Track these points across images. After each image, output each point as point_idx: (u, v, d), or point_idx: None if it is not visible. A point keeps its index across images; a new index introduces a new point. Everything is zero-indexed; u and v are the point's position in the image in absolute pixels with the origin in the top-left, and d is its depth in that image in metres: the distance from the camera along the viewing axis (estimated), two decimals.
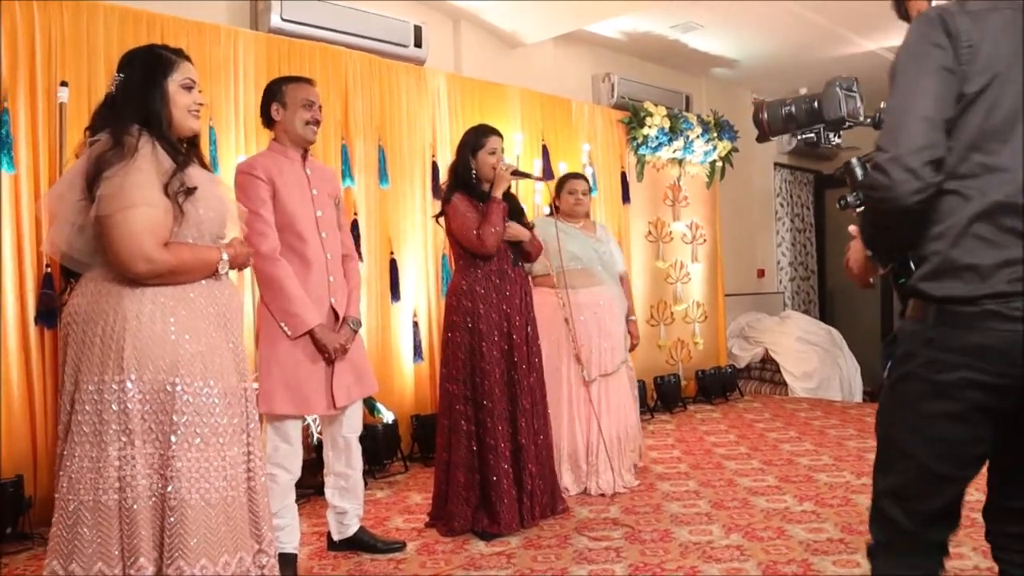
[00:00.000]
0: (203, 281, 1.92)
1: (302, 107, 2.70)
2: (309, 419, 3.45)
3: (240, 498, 1.88)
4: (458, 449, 3.09)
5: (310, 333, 2.61)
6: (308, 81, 2.79)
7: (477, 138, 3.22)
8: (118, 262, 1.80)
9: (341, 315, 2.73)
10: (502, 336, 3.14)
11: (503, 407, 3.10)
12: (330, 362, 2.66)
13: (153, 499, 1.77)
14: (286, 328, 2.59)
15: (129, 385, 1.77)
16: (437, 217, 3.30)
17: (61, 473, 1.78)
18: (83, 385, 1.79)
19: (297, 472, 2.71)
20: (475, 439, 3.10)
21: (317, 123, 2.74)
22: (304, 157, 2.76)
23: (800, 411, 5.74)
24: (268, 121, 2.76)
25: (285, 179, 2.66)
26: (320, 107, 2.77)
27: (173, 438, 1.78)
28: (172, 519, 1.76)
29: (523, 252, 3.33)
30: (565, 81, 5.77)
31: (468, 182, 3.19)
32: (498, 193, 3.15)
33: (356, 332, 2.77)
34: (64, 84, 3.24)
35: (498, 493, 3.08)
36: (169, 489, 1.76)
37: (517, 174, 3.27)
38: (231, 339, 1.96)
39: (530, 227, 3.35)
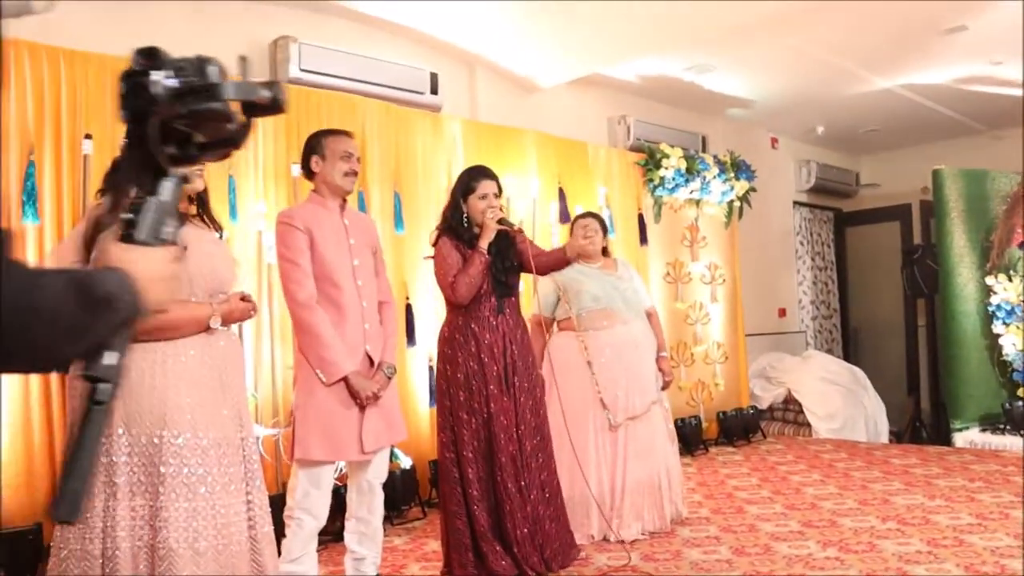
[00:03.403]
0: (197, 336, 1.96)
1: (340, 159, 2.78)
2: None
3: (237, 547, 1.91)
4: (452, 497, 3.07)
5: (344, 380, 2.65)
6: (347, 134, 2.87)
7: (469, 181, 3.16)
8: None
9: (376, 361, 2.77)
10: (481, 385, 3.10)
11: (481, 457, 3.07)
12: (362, 408, 2.69)
13: (144, 550, 1.81)
14: (321, 375, 2.63)
15: (116, 439, 1.83)
16: (429, 257, 3.27)
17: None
18: None
19: (323, 519, 2.74)
20: (461, 487, 3.08)
21: (355, 174, 2.81)
22: (342, 207, 2.83)
23: (824, 452, 5.64)
24: (308, 173, 2.84)
25: (323, 230, 2.73)
26: (359, 159, 2.85)
27: (161, 489, 1.83)
28: (162, 568, 1.80)
29: (518, 270, 3.24)
30: (581, 124, 5.82)
31: (457, 226, 3.14)
32: (483, 244, 3.08)
33: (390, 379, 2.80)
34: (88, 137, 3.33)
35: (488, 542, 3.04)
36: (158, 539, 1.81)
37: (502, 224, 3.13)
38: (229, 390, 2.00)
39: (516, 230, 3.15)
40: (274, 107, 1.04)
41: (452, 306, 3.16)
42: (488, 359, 3.10)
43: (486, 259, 3.09)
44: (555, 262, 3.23)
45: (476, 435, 3.06)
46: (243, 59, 4.08)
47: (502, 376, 3.13)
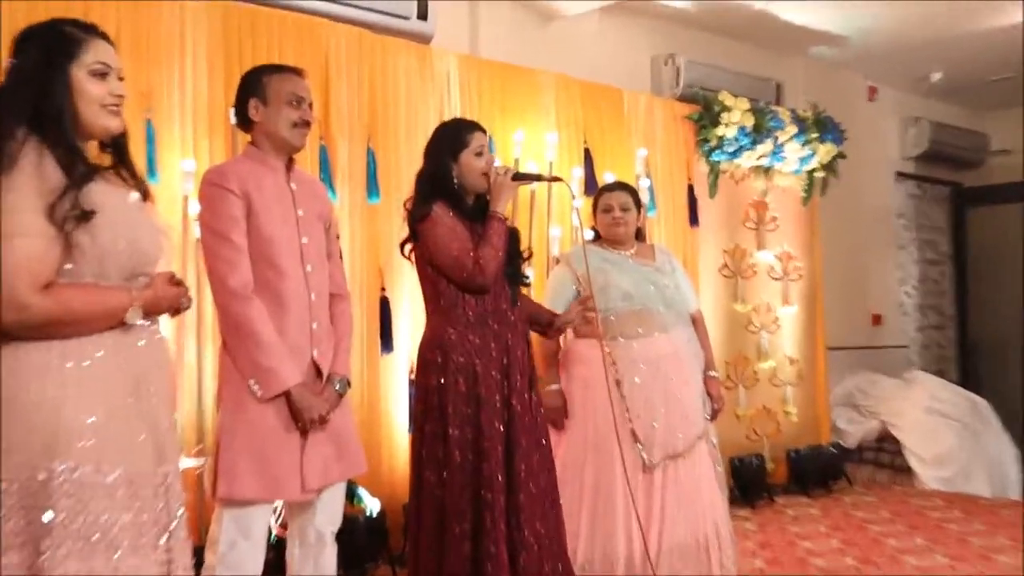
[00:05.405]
0: (107, 332, 1.89)
1: (288, 104, 2.75)
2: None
3: None
4: (455, 558, 2.99)
5: (285, 394, 2.62)
6: (296, 72, 2.84)
7: (457, 135, 3.15)
8: None
9: (325, 372, 2.75)
10: (503, 402, 3.06)
11: (503, 499, 3.00)
12: (304, 432, 2.67)
13: None
14: (255, 386, 2.60)
15: None
16: (404, 245, 3.19)
17: None
18: None
19: None
20: (471, 541, 3.03)
21: (307, 125, 2.78)
22: (289, 168, 2.82)
23: (931, 509, 5.61)
24: (244, 121, 2.81)
25: (264, 196, 2.69)
26: (311, 104, 2.83)
27: (46, 542, 1.74)
28: None
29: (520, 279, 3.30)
30: (615, 65, 5.79)
31: (450, 194, 3.11)
32: (500, 207, 3.09)
33: (343, 395, 2.79)
34: None
35: None
36: None
37: (521, 178, 3.21)
38: (147, 409, 1.94)
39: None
40: None
41: (457, 297, 3.10)
42: (511, 364, 3.08)
43: (506, 226, 3.11)
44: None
45: (501, 469, 3.00)
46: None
47: (527, 387, 3.13)
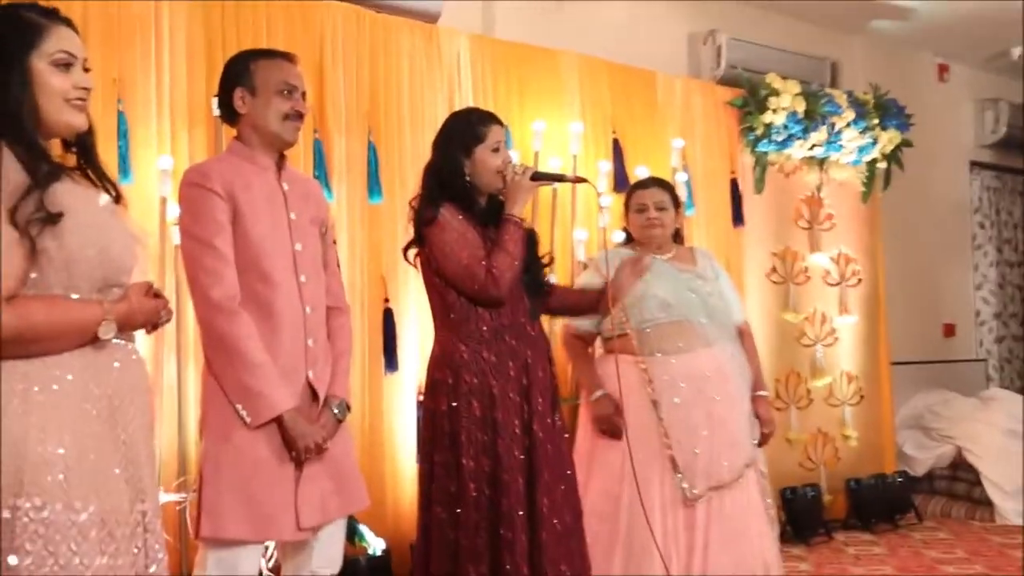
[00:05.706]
0: (78, 351, 1.89)
1: (278, 94, 2.77)
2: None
3: None
4: None
5: (277, 421, 2.64)
6: (287, 57, 2.87)
7: (471, 128, 3.15)
8: None
9: (322, 395, 2.77)
10: (523, 428, 3.07)
11: (525, 538, 3.00)
12: (299, 463, 2.68)
13: None
14: (243, 412, 2.62)
15: None
16: (407, 249, 3.21)
17: None
18: None
19: None
20: None
21: (300, 117, 2.81)
22: (280, 165, 2.85)
23: (1014, 548, 5.55)
24: (229, 113, 2.84)
25: (251, 196, 2.72)
26: (304, 93, 2.85)
27: None
28: None
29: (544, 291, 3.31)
30: (648, 44, 5.78)
31: (461, 193, 3.13)
32: (516, 210, 3.09)
33: (342, 421, 2.81)
34: None
35: None
36: None
37: (541, 178, 3.22)
38: (123, 438, 1.94)
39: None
40: None
41: (469, 310, 3.11)
42: (532, 386, 3.10)
43: (523, 231, 3.12)
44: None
45: (522, 504, 3.01)
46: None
47: (548, 412, 3.14)
